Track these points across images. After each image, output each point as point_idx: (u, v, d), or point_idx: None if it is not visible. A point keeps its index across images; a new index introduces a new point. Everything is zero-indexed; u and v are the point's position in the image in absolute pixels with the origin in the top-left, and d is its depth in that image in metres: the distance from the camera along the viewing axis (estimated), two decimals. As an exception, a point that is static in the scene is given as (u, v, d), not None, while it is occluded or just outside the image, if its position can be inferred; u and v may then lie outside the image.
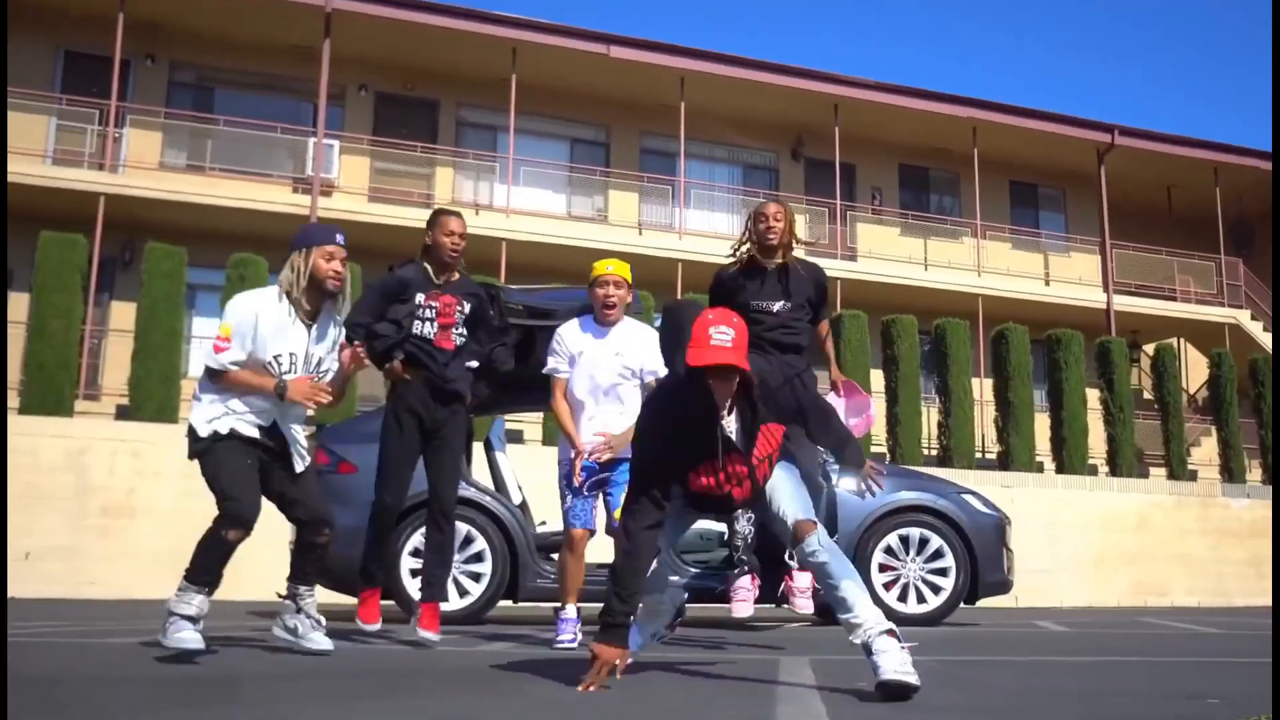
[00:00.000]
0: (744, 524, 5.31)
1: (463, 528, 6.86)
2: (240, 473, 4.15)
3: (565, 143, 19.02)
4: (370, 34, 16.72)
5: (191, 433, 4.23)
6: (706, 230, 18.52)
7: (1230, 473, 16.35)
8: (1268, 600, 14.13)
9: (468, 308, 5.15)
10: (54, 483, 10.66)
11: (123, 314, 14.93)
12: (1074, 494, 14.16)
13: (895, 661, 3.12)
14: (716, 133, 19.27)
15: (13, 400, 12.30)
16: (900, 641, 3.19)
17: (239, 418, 4.20)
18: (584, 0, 52.21)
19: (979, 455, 16.05)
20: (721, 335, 3.27)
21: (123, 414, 13.02)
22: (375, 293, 5.11)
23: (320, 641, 4.37)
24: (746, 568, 5.21)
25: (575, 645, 4.72)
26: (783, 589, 5.24)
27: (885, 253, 19.48)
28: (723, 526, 7.73)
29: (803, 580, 5.07)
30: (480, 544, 6.89)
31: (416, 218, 16.51)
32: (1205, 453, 18.88)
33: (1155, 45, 67.82)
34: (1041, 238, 21.36)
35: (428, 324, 5.03)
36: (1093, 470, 16.01)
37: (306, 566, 4.43)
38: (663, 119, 18.49)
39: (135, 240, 15.06)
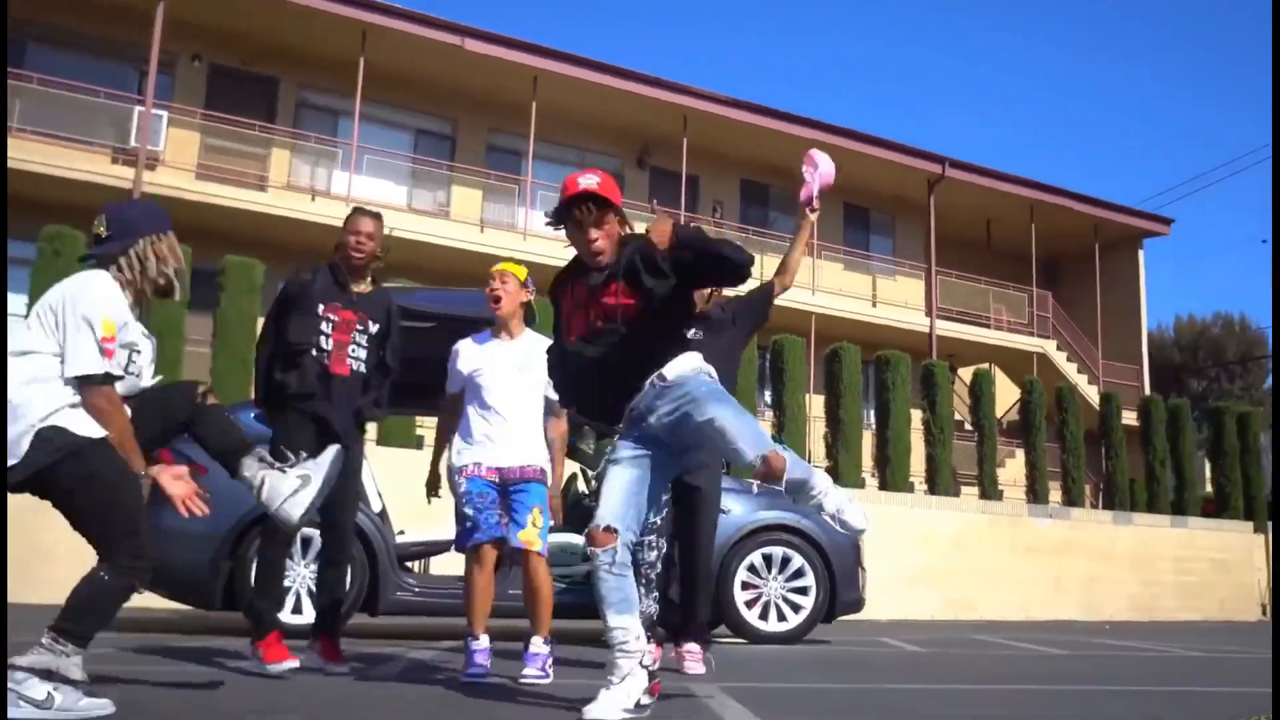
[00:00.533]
0: (648, 603, 5.18)
1: (318, 535, 6.48)
2: (141, 495, 3.24)
3: (410, 133, 18.48)
4: (207, 0, 15.79)
5: (56, 432, 3.09)
6: (550, 234, 18.28)
7: (1035, 494, 17.30)
8: (1069, 614, 15.02)
9: (373, 329, 4.68)
10: None
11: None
12: (896, 510, 14.63)
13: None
14: (565, 135, 19.11)
15: None
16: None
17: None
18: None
19: (809, 470, 16.41)
20: (588, 179, 3.47)
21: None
22: (270, 318, 4.62)
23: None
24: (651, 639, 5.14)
25: (488, 676, 4.43)
26: (674, 656, 5.12)
27: (725, 266, 19.75)
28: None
29: (692, 646, 5.05)
30: (338, 554, 6.49)
31: (249, 200, 15.75)
32: (1009, 474, 19.94)
33: (989, 82, 71.45)
34: (872, 260, 22.15)
35: (323, 339, 4.54)
36: (911, 488, 16.64)
37: None
38: (511, 117, 18.21)
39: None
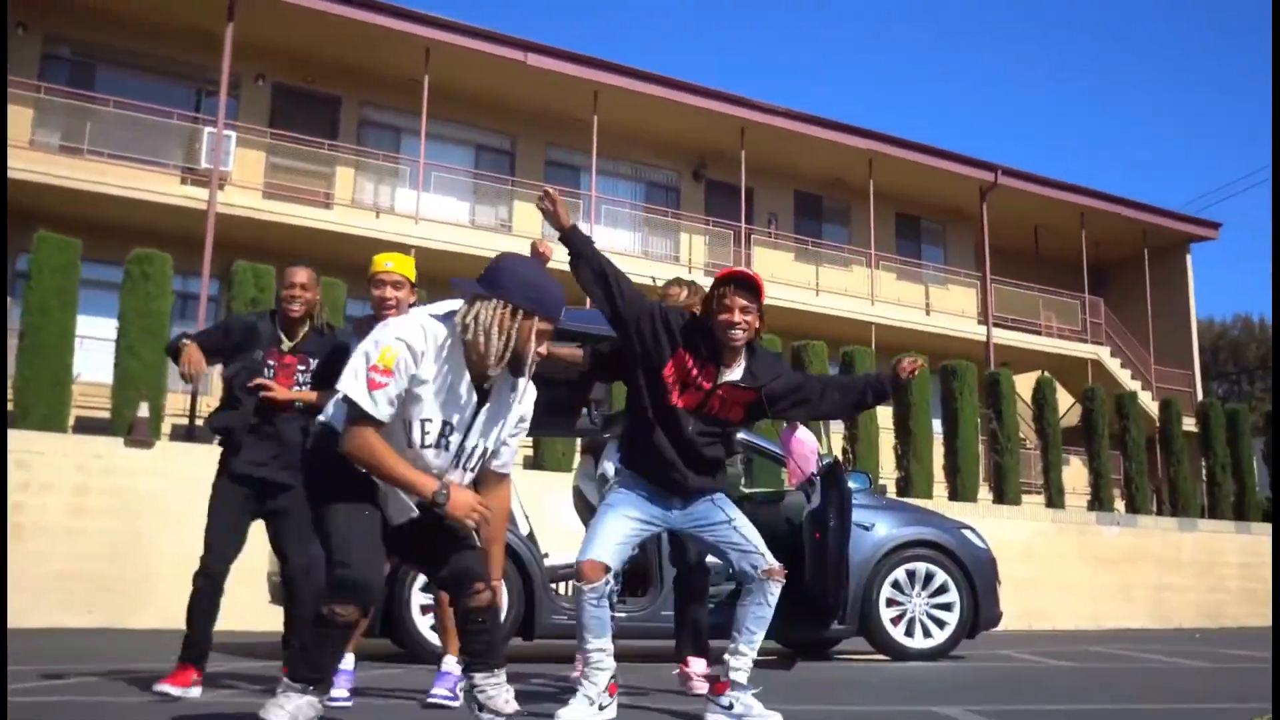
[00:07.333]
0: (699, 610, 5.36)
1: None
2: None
3: (470, 149, 18.49)
4: (273, 21, 15.80)
5: None
6: (611, 247, 18.34)
7: (1100, 501, 17.21)
8: (1138, 623, 14.94)
9: (313, 364, 4.74)
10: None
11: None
12: (968, 521, 14.53)
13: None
14: (623, 149, 19.12)
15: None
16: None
17: None
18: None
19: (879, 481, 16.39)
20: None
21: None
22: (218, 329, 4.86)
23: None
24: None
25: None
26: (677, 673, 5.17)
27: (782, 277, 19.74)
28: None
29: (698, 665, 5.08)
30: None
31: (315, 218, 15.76)
32: (1067, 481, 19.84)
33: (1038, 89, 70.69)
34: (926, 269, 22.10)
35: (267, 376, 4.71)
36: (976, 498, 16.56)
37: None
38: (569, 131, 18.22)
39: None
